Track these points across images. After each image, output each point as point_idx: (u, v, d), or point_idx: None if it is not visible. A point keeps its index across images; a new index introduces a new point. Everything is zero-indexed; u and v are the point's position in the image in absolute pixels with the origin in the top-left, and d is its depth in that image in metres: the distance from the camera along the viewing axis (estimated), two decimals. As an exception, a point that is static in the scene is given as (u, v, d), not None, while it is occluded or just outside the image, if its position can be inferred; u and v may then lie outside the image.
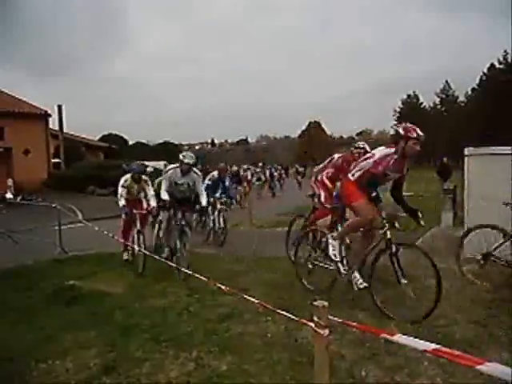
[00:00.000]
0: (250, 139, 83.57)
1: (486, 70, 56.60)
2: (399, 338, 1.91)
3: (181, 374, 3.32)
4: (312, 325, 2.16)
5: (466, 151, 6.44)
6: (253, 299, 3.06)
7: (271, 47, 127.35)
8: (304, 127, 71.33)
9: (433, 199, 13.21)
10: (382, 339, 3.51)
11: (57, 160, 27.04)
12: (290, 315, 2.48)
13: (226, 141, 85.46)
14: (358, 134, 74.65)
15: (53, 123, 26.81)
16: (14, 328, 4.41)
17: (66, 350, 3.81)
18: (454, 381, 3.02)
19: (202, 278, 4.04)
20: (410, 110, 64.61)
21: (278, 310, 2.62)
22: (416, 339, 1.86)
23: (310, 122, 70.52)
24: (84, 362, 3.56)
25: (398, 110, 66.69)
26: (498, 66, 55.52)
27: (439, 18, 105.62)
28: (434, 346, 1.73)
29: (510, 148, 6.24)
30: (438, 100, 65.31)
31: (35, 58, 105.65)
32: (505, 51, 54.65)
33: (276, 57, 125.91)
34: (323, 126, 70.32)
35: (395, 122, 65.37)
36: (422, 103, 66.68)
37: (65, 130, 27.75)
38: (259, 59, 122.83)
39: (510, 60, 54.27)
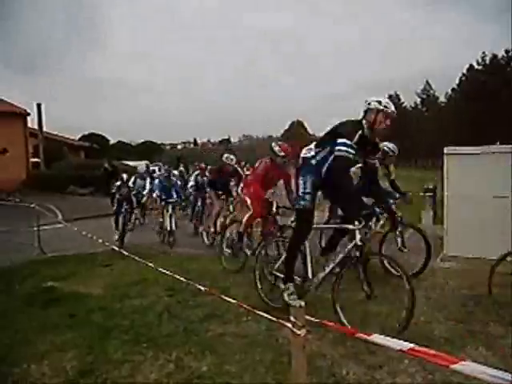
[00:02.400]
0: (232, 139, 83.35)
1: (465, 71, 57.56)
2: (375, 337, 1.91)
3: (160, 375, 3.28)
4: (289, 325, 2.14)
5: (446, 150, 6.51)
6: (231, 300, 3.03)
7: (255, 47, 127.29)
8: (287, 127, 71.55)
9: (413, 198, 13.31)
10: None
11: (36, 159, 26.57)
12: (267, 315, 2.46)
13: (209, 140, 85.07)
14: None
15: (32, 122, 26.38)
16: (-11, 331, 4.30)
17: (43, 353, 3.73)
18: (434, 378, 3.04)
19: (182, 278, 4.00)
20: (391, 109, 65.28)
21: (256, 311, 2.59)
22: (392, 339, 1.86)
23: (293, 122, 70.77)
24: (61, 366, 3.49)
25: (380, 109, 67.29)
26: (476, 66, 56.49)
27: (421, 19, 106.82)
28: (410, 345, 1.73)
29: (488, 147, 6.35)
30: (418, 100, 66.18)
31: (13, 55, 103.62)
32: (483, 52, 55.70)
33: (259, 56, 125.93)
34: (306, 125, 70.64)
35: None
36: (403, 103, 67.45)
37: (44, 130, 27.29)
38: (242, 58, 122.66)
39: (488, 61, 55.26)
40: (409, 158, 63.70)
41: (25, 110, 25.18)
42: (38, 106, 26.20)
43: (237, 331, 4.00)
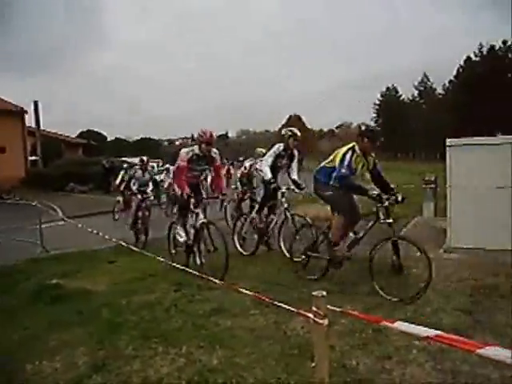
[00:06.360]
0: (230, 134, 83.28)
1: (462, 63, 57.47)
2: (399, 325, 1.92)
3: (172, 369, 3.29)
4: (311, 315, 2.14)
5: (448, 142, 6.49)
6: (248, 292, 3.04)
7: (252, 41, 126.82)
8: (284, 121, 71.32)
9: (413, 190, 13.38)
10: (370, 329, 3.58)
11: (34, 158, 26.52)
12: (288, 307, 2.47)
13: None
14: (337, 127, 74.92)
15: (29, 120, 26.28)
16: (-2, 329, 4.32)
17: (53, 349, 3.74)
18: (443, 368, 3.06)
19: (194, 272, 4.01)
20: (389, 102, 65.32)
21: (276, 302, 2.60)
22: (417, 326, 1.87)
23: (290, 116, 70.46)
24: (72, 361, 3.50)
25: (378, 102, 67.36)
26: (474, 58, 56.43)
27: (417, 10, 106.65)
28: (435, 332, 1.75)
29: (490, 138, 6.36)
30: (416, 92, 66.08)
31: (10, 53, 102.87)
32: (480, 44, 55.62)
33: (257, 51, 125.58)
34: (303, 119, 70.45)
35: (374, 115, 66.10)
36: (400, 96, 67.39)
37: (42, 127, 27.20)
38: (240, 53, 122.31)
39: (485, 52, 55.18)
40: (407, 150, 63.82)
41: (22, 108, 25.07)
42: (35, 103, 26.11)
43: (245, 325, 4.01)
